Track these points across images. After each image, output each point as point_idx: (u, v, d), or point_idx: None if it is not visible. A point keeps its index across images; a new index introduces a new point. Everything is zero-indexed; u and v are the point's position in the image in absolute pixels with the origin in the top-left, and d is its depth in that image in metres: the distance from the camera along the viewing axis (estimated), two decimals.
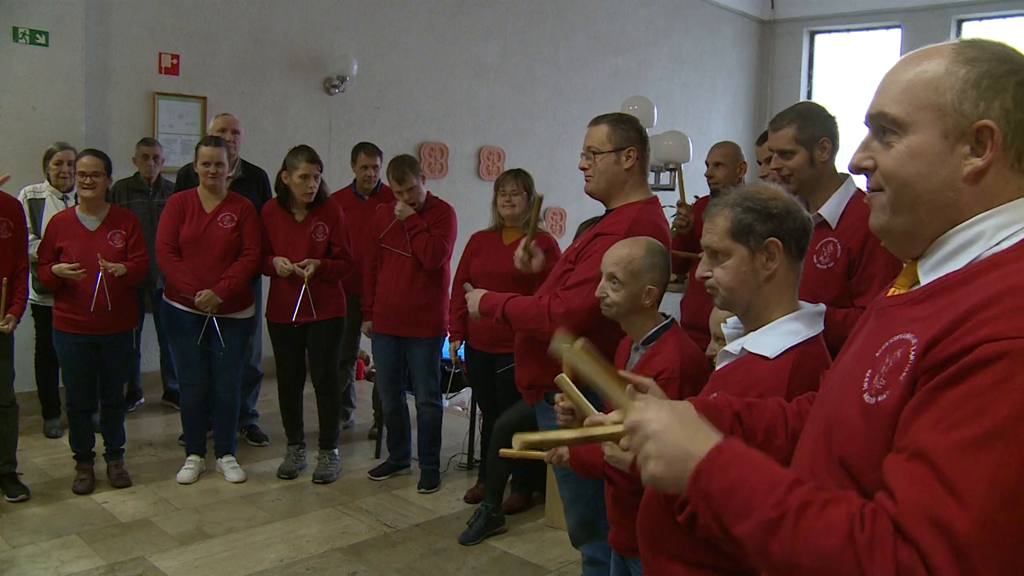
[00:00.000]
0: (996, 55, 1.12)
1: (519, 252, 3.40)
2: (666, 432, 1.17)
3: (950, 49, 1.14)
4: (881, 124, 1.17)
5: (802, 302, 1.85)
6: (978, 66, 1.11)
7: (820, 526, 1.01)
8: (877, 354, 1.13)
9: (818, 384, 1.61)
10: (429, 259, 4.56)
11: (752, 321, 1.84)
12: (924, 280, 1.16)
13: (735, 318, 1.92)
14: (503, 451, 2.65)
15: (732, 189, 1.90)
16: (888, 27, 10.17)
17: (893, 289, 1.23)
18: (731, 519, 1.09)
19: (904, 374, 1.06)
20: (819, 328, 1.82)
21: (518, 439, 1.28)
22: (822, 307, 1.87)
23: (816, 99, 10.57)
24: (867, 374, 1.13)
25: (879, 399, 1.09)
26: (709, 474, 1.12)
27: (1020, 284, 1.02)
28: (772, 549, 1.04)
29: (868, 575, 0.96)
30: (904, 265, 1.24)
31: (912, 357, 1.06)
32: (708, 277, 1.86)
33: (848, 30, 10.60)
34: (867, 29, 10.44)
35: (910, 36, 9.60)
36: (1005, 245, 1.09)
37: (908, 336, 1.08)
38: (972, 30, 9.58)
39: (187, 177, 5.16)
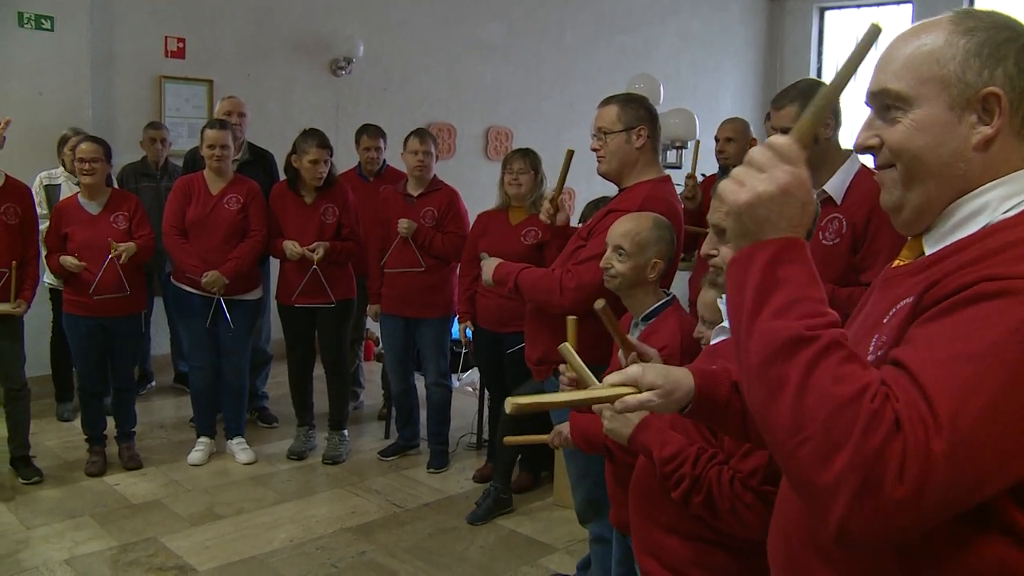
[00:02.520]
0: (994, 23, 1.12)
1: (546, 204, 3.40)
2: (784, 194, 1.07)
3: (947, 21, 1.14)
4: (884, 101, 1.16)
5: None
6: (977, 35, 1.11)
7: (838, 371, 0.98)
8: (885, 320, 1.13)
9: None
10: (454, 254, 4.62)
11: None
12: (929, 251, 1.16)
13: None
14: (507, 439, 2.67)
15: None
16: (899, 2, 10.06)
17: (898, 261, 1.23)
18: (764, 309, 1.04)
19: (903, 322, 1.07)
20: None
21: (510, 402, 1.27)
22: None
23: (826, 77, 10.50)
24: (874, 338, 1.13)
25: (879, 354, 1.10)
26: (777, 255, 1.06)
27: (1018, 238, 1.03)
28: (781, 363, 1.00)
29: (855, 443, 0.94)
30: (909, 239, 1.23)
31: (912, 301, 1.07)
32: (714, 255, 1.86)
33: (858, 6, 10.49)
34: (878, 5, 10.32)
35: (921, 11, 9.49)
36: (1011, 215, 1.09)
37: (910, 299, 1.08)
38: (983, 4, 9.49)
39: (194, 160, 5.17)
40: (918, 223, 1.19)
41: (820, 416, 0.97)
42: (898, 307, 1.11)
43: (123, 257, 4.31)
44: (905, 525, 0.95)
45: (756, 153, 1.10)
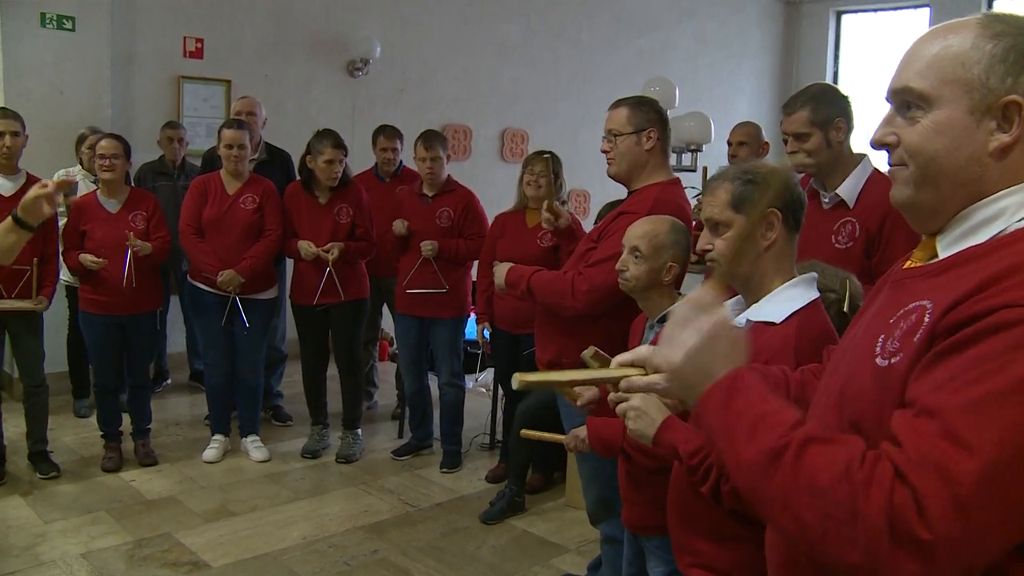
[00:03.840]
0: (1022, 29, 1.11)
1: (544, 213, 3.42)
2: (711, 340, 1.17)
3: (976, 23, 1.13)
4: (905, 99, 1.16)
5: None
6: (1005, 40, 1.10)
7: (820, 461, 1.01)
8: (891, 320, 1.12)
9: (822, 348, 1.62)
10: (476, 256, 4.67)
11: (752, 292, 1.89)
12: (943, 254, 1.15)
13: (733, 299, 1.94)
14: (524, 432, 2.69)
15: (731, 165, 1.95)
16: (917, 6, 10.02)
17: (910, 262, 1.22)
18: (736, 443, 1.09)
19: (919, 335, 1.05)
20: (816, 292, 1.88)
21: (517, 378, 1.27)
22: (813, 273, 1.91)
23: (842, 80, 10.47)
24: (880, 339, 1.13)
25: (892, 361, 1.09)
26: (724, 397, 1.13)
27: None
28: (771, 480, 1.04)
29: (861, 511, 0.96)
30: (923, 239, 1.23)
31: (927, 319, 1.05)
32: (709, 249, 1.90)
33: (875, 10, 10.45)
34: (895, 9, 10.28)
35: (939, 15, 9.44)
36: None
37: (924, 302, 1.08)
38: (1002, 7, 9.43)
39: (212, 160, 5.21)
40: (929, 222, 1.19)
41: (822, 508, 0.99)
42: (906, 309, 1.10)
43: (139, 250, 4.34)
44: (952, 569, 0.93)
45: (678, 310, 1.22)
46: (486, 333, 4.66)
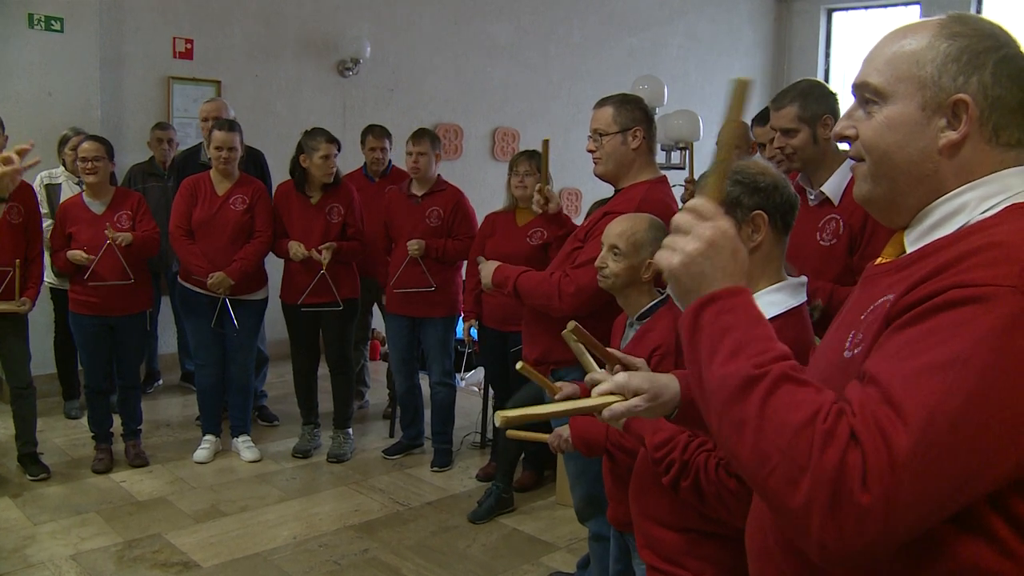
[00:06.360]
0: (979, 31, 1.14)
1: (535, 196, 3.42)
2: (711, 247, 1.15)
3: (935, 24, 1.16)
4: (864, 94, 1.20)
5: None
6: (959, 41, 1.13)
7: (790, 400, 1.03)
8: (862, 317, 1.15)
9: (798, 354, 1.63)
10: (467, 257, 4.63)
11: None
12: (910, 249, 1.18)
13: None
14: (509, 432, 2.69)
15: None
16: (907, 3, 10.04)
17: (880, 258, 1.25)
18: (712, 359, 1.09)
19: (878, 324, 1.08)
20: (802, 298, 1.86)
21: (500, 416, 1.30)
22: (803, 279, 1.89)
23: (834, 78, 10.49)
24: (850, 335, 1.15)
25: (855, 352, 1.12)
26: (715, 310, 1.12)
27: (1001, 240, 1.03)
28: (739, 404, 1.05)
29: (814, 462, 0.98)
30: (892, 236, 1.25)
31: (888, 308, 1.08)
32: None
33: (866, 7, 10.46)
34: (885, 6, 10.30)
35: (929, 12, 9.39)
36: (988, 215, 1.11)
37: (889, 296, 1.10)
38: (992, 8, 9.45)
39: (184, 163, 5.21)
40: (892, 216, 1.22)
41: (780, 445, 1.01)
42: (875, 305, 1.13)
43: (119, 241, 4.32)
44: (882, 533, 0.96)
45: (678, 218, 1.18)
46: (473, 332, 4.66)
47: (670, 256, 1.17)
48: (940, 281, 1.02)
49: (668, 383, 1.49)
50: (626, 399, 1.37)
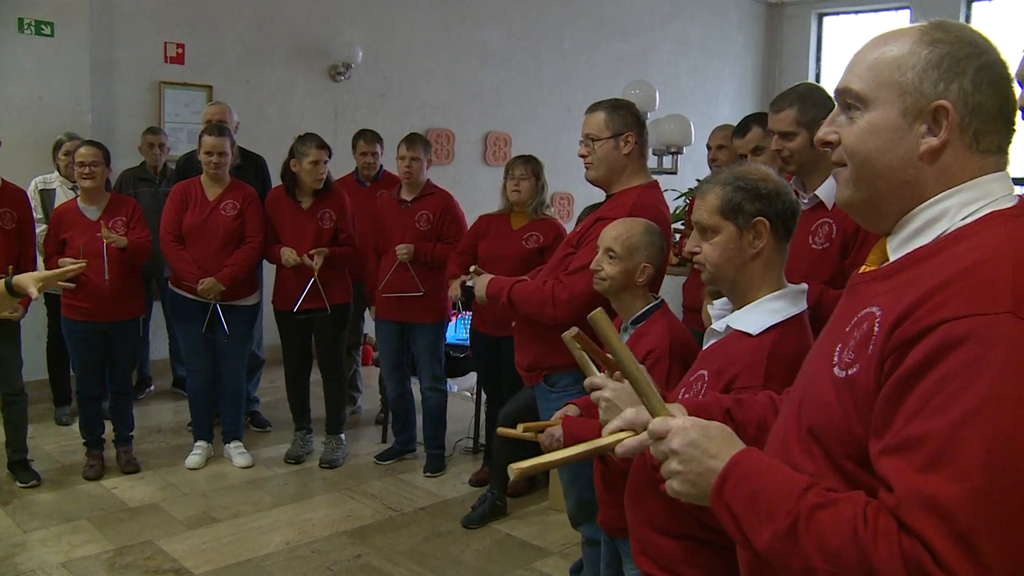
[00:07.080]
0: (960, 38, 1.15)
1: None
2: (691, 448, 1.20)
3: (917, 30, 1.17)
4: (846, 100, 1.21)
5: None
6: (941, 48, 1.14)
7: (828, 527, 1.04)
8: (847, 329, 1.15)
9: (797, 365, 1.63)
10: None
11: (738, 299, 1.87)
12: (893, 257, 1.18)
13: (723, 299, 1.94)
14: (500, 430, 2.68)
15: (726, 168, 1.92)
16: (897, 8, 10.08)
17: (864, 266, 1.25)
18: (753, 531, 1.12)
19: (871, 348, 1.08)
20: (802, 306, 1.85)
21: (513, 469, 1.31)
22: (804, 286, 1.89)
23: (824, 82, 10.51)
24: (837, 348, 1.16)
25: (849, 372, 1.12)
26: (732, 487, 1.15)
27: (974, 263, 1.04)
28: (792, 557, 1.07)
29: (875, 568, 0.98)
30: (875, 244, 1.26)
31: (876, 329, 1.08)
32: (696, 252, 1.89)
33: (857, 12, 10.51)
34: (876, 11, 10.35)
35: (919, 17, 9.26)
36: (969, 222, 1.11)
37: (873, 309, 1.10)
38: (982, 12, 9.50)
39: (186, 167, 5.19)
40: (874, 222, 1.23)
41: (840, 570, 1.03)
42: (858, 316, 1.13)
43: (114, 243, 4.31)
44: None
45: (651, 450, 1.26)
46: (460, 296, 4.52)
47: (671, 484, 1.22)
48: (928, 316, 1.02)
49: (676, 414, 1.50)
50: (637, 433, 1.38)
